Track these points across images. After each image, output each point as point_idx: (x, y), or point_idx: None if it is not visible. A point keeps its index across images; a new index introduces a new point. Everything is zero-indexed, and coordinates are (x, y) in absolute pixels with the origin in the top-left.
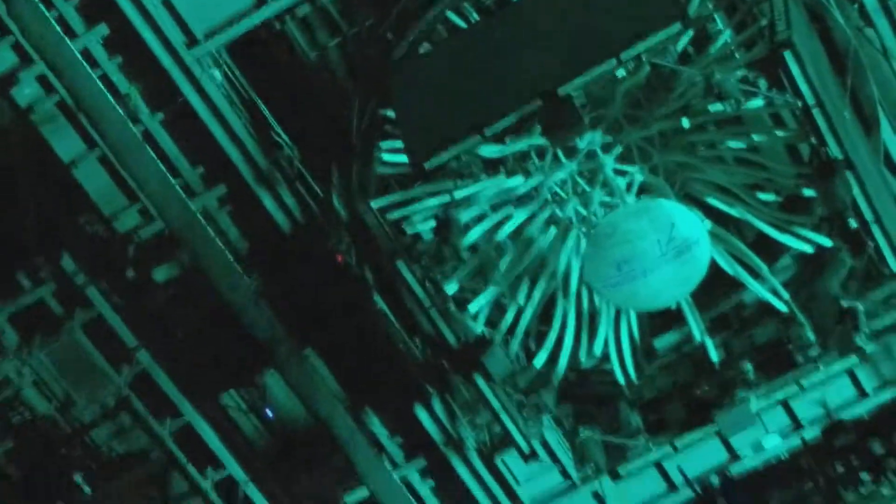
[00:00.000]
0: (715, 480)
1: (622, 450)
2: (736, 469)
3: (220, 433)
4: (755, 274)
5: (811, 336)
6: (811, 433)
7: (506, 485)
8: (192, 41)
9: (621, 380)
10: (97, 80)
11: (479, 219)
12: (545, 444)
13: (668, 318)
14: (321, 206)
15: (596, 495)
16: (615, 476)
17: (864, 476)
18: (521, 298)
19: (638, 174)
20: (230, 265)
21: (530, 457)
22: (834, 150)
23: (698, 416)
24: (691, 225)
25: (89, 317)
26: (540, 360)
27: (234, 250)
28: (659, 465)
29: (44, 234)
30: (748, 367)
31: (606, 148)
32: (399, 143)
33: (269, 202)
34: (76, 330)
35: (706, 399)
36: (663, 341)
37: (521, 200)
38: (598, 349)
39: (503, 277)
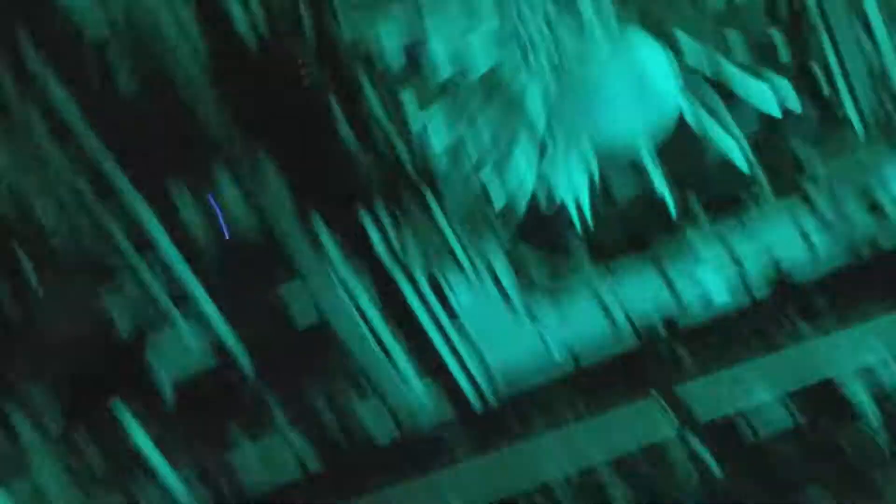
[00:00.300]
0: (659, 327)
1: (570, 286)
2: (681, 321)
3: (172, 240)
4: (719, 126)
5: (767, 188)
6: (756, 285)
7: (451, 311)
8: None
9: (578, 224)
10: None
11: (450, 56)
12: (495, 277)
13: (629, 168)
14: (286, 14)
15: (539, 332)
16: (554, 295)
17: (803, 327)
18: (486, 138)
19: (613, 18)
20: (192, 69)
21: (477, 286)
22: (809, 3)
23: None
24: (663, 73)
25: (50, 118)
26: (499, 199)
27: (197, 55)
28: (602, 301)
29: (5, 36)
30: (701, 215)
31: None
32: None
33: (235, 9)
34: (36, 130)
35: (657, 246)
36: (622, 190)
37: (494, 39)
38: (558, 193)
39: (469, 116)
